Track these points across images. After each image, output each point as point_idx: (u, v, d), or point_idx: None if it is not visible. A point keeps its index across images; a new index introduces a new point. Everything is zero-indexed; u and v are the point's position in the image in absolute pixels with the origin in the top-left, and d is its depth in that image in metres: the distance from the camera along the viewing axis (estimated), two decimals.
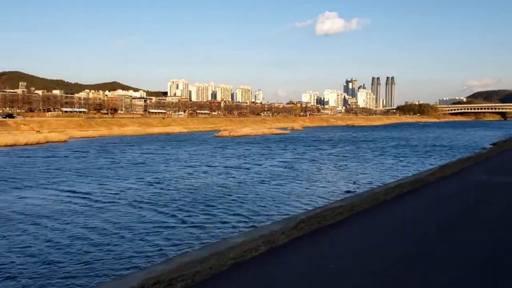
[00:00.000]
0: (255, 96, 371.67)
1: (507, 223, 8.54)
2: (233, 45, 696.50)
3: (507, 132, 52.40)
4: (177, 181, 22.77)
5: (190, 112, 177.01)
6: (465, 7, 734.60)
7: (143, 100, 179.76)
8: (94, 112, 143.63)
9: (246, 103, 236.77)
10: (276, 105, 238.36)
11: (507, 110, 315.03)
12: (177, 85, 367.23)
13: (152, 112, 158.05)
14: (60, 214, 14.90)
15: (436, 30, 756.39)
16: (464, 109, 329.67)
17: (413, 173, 22.66)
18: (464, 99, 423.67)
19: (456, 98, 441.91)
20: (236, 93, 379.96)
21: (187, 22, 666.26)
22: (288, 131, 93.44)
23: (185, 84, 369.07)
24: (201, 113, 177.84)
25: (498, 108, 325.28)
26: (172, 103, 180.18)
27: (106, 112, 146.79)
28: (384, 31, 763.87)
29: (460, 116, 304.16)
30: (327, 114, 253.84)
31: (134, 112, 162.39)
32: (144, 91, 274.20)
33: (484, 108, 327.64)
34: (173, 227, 12.97)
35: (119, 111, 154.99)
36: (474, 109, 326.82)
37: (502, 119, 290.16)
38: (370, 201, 9.44)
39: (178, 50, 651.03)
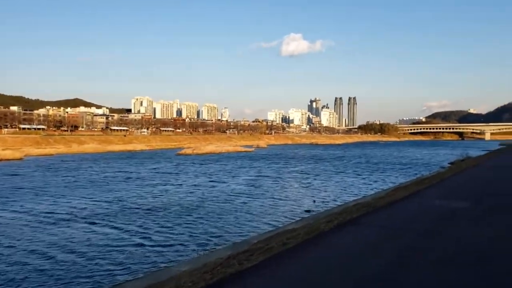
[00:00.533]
0: (222, 114, 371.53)
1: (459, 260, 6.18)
2: (200, 63, 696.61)
3: (464, 151, 53.98)
4: (135, 200, 21.81)
5: (154, 129, 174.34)
6: (425, 32, 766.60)
7: (104, 117, 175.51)
8: (54, 129, 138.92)
9: (212, 120, 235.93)
10: (242, 123, 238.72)
11: (464, 130, 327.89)
12: (141, 102, 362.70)
13: (114, 130, 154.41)
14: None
15: (397, 52, 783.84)
16: (424, 128, 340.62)
17: (374, 190, 22.63)
18: (423, 119, 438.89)
19: (416, 118, 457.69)
20: (202, 111, 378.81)
21: (153, 39, 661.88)
22: (253, 149, 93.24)
23: (150, 101, 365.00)
24: (165, 130, 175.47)
25: (456, 128, 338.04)
26: (135, 120, 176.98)
27: (66, 129, 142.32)
28: (347, 53, 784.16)
29: (419, 136, 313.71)
30: (292, 132, 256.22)
31: (95, 129, 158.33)
32: (107, 108, 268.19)
33: (443, 128, 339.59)
34: (125, 249, 12.16)
35: (80, 128, 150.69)
36: (433, 129, 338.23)
37: (460, 138, 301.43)
38: (309, 232, 7.64)
39: (143, 67, 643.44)
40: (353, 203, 11.28)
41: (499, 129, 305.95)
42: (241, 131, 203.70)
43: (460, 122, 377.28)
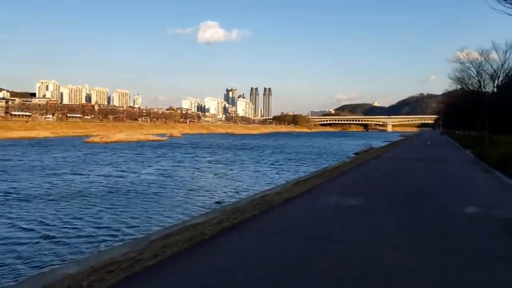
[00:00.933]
0: (134, 101, 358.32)
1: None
2: (112, 47, 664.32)
3: (368, 142, 57.49)
4: (37, 191, 19.99)
5: (60, 115, 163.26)
6: (337, 27, 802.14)
7: (4, 101, 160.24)
8: None
9: (123, 107, 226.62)
10: (155, 110, 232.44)
11: (369, 122, 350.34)
12: (47, 86, 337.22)
13: (15, 115, 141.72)
14: None
15: (311, 45, 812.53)
16: (333, 120, 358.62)
17: (285, 180, 22.98)
18: (333, 111, 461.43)
19: (326, 110, 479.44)
20: (113, 97, 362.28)
21: (62, 20, 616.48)
22: (166, 138, 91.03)
23: (56, 85, 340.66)
24: (73, 116, 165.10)
25: (361, 120, 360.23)
26: (39, 105, 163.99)
27: None
28: (263, 44, 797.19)
29: (329, 127, 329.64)
30: (208, 121, 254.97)
31: None
32: (7, 91, 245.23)
33: (350, 120, 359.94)
34: (15, 247, 10.95)
35: None
36: (341, 120, 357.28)
37: (365, 130, 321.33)
38: (191, 239, 6.09)
39: (50, 48, 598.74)
40: (251, 199, 9.69)
41: (400, 121, 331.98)
42: (154, 119, 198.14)
43: (365, 115, 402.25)
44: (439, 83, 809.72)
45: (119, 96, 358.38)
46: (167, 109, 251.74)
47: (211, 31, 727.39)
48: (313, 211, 8.65)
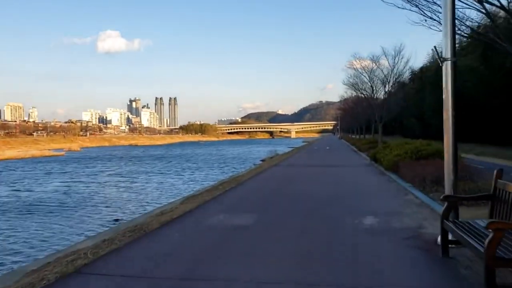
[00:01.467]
0: (29, 114, 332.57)
1: None
2: (4, 56, 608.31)
3: (274, 148, 59.48)
4: None
5: None
6: (238, 35, 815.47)
7: None
8: None
9: (15, 121, 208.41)
10: (53, 124, 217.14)
11: (274, 129, 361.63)
12: None
13: None
14: None
15: (212, 55, 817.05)
16: (240, 128, 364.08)
17: (190, 191, 22.75)
18: (239, 120, 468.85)
19: (233, 118, 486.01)
20: (4, 111, 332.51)
21: None
22: (64, 153, 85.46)
23: None
24: None
25: (267, 128, 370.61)
26: None
27: None
28: (166, 53, 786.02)
29: (236, 135, 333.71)
30: (110, 133, 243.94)
31: None
32: None
33: (256, 128, 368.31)
34: None
35: None
36: (248, 128, 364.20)
37: (271, 137, 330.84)
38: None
39: None
40: (124, 226, 7.65)
41: (302, 128, 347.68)
42: (52, 133, 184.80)
43: (270, 122, 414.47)
44: (336, 90, 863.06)
45: (11, 109, 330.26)
46: (66, 122, 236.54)
47: (111, 40, 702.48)
48: (191, 238, 7.00)
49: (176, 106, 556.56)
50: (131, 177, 36.28)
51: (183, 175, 36.98)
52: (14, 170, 45.95)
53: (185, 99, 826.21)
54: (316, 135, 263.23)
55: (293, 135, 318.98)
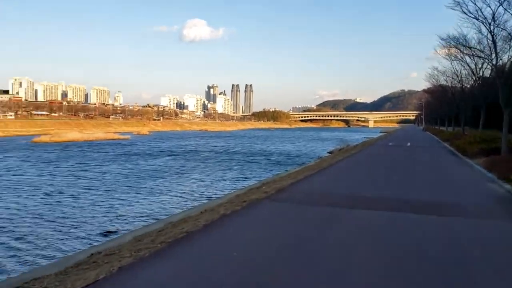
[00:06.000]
0: (115, 98, 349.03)
1: None
2: (94, 43, 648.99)
3: (350, 137, 51.93)
4: None
5: (25, 113, 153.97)
6: (319, 24, 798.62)
7: None
8: None
9: (95, 104, 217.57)
10: (131, 107, 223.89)
11: (350, 118, 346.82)
12: (21, 83, 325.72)
13: None
14: None
15: (291, 42, 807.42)
16: (313, 116, 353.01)
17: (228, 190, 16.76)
18: (314, 107, 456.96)
19: (308, 106, 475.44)
20: (91, 94, 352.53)
21: (41, 16, 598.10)
22: (129, 137, 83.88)
23: (30, 82, 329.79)
24: (38, 114, 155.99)
25: (343, 116, 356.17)
26: (1, 102, 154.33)
27: None
28: (246, 41, 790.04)
29: (309, 123, 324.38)
30: (185, 118, 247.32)
31: None
32: None
33: (331, 116, 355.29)
34: None
35: None
36: (322, 116, 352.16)
37: (346, 126, 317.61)
38: None
39: (25, 44, 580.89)
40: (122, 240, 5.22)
41: (381, 117, 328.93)
42: (130, 117, 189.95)
43: (347, 111, 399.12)
44: (419, 79, 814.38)
45: (96, 93, 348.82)
46: (143, 106, 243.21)
47: (197, 29, 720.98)
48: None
49: (251, 93, 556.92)
50: (170, 172, 31.07)
51: (225, 171, 31.09)
52: (61, 152, 43.21)
53: (261, 87, 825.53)
54: (396, 125, 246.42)
55: (371, 124, 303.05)
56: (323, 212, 8.94)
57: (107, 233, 11.75)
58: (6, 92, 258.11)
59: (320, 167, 18.63)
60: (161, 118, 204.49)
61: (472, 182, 14.89)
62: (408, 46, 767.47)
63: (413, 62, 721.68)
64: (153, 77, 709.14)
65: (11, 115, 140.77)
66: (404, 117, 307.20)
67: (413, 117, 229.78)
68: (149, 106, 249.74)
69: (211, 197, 18.09)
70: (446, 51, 34.27)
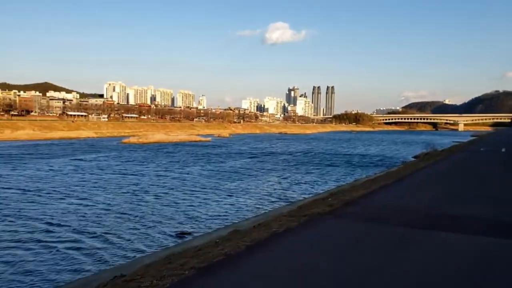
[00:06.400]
0: (199, 101, 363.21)
1: None
2: (181, 49, 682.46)
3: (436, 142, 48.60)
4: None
5: (116, 115, 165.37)
6: (403, 24, 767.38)
7: (61, 101, 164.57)
8: (2, 113, 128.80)
9: (180, 107, 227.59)
10: (214, 110, 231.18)
11: (438, 121, 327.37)
12: (114, 87, 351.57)
13: (71, 115, 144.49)
14: None
15: (375, 42, 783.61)
16: (398, 118, 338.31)
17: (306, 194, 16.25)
18: (400, 109, 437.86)
19: (393, 108, 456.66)
20: (177, 98, 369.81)
21: (133, 23, 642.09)
22: (210, 139, 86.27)
23: (123, 86, 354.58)
24: (128, 117, 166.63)
25: (430, 119, 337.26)
26: (95, 105, 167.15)
27: (17, 113, 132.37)
28: (328, 42, 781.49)
29: (394, 126, 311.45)
30: (265, 121, 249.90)
31: (52, 114, 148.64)
32: (77, 92, 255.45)
33: (417, 118, 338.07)
34: None
35: (33, 113, 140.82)
36: (408, 118, 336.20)
37: (434, 129, 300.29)
38: None
39: (119, 51, 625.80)
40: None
41: (472, 120, 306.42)
42: (212, 119, 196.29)
43: (435, 113, 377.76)
44: None
45: (182, 97, 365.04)
46: (225, 109, 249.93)
47: (279, 32, 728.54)
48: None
49: (333, 94, 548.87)
50: (249, 174, 31.14)
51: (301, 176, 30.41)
52: (145, 152, 45.41)
53: (343, 88, 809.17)
54: (489, 129, 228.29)
55: (460, 127, 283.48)
56: (393, 233, 7.72)
57: (181, 235, 11.75)
58: (101, 96, 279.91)
59: (400, 174, 17.30)
60: (242, 120, 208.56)
61: None
62: (504, 43, 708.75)
63: (509, 60, 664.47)
64: (236, 80, 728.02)
65: (104, 118, 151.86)
66: (498, 120, 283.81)
67: (509, 120, 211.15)
68: (230, 109, 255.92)
69: (289, 200, 17.66)
70: None
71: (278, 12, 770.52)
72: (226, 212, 15.52)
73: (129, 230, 12.72)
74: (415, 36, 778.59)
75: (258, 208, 16.17)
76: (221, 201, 17.87)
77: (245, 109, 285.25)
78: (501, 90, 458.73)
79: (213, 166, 34.17)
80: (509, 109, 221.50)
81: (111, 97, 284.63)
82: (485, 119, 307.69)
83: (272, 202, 17.60)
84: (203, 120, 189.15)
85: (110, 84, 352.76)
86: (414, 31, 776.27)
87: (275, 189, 21.81)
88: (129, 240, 11.59)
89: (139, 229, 12.85)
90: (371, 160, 43.00)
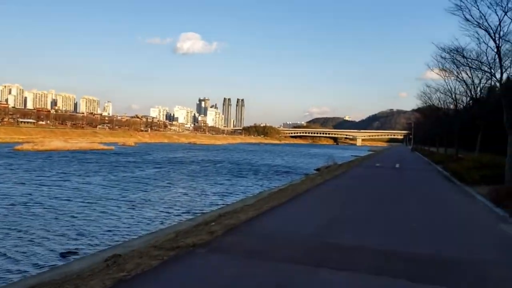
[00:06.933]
0: (104, 108, 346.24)
1: None
2: (87, 53, 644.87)
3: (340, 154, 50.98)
4: None
5: (11, 120, 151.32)
6: (311, 41, 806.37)
7: None
8: None
9: (83, 113, 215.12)
10: (120, 118, 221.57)
11: (338, 136, 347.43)
12: (10, 90, 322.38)
13: None
14: None
15: (285, 59, 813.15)
16: (303, 132, 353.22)
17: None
18: (304, 124, 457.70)
19: (298, 122, 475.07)
20: (80, 103, 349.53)
21: (35, 22, 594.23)
22: (113, 147, 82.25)
23: (20, 89, 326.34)
24: (25, 122, 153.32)
25: (331, 134, 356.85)
26: None
27: None
28: (239, 55, 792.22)
29: (299, 139, 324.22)
30: (174, 130, 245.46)
31: None
32: None
33: (320, 133, 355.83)
34: None
35: None
36: (312, 133, 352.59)
37: (335, 143, 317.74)
38: None
39: (17, 51, 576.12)
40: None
41: (369, 136, 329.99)
42: (117, 127, 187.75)
43: (336, 128, 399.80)
44: (409, 99, 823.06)
45: (86, 102, 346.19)
46: (132, 117, 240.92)
47: (190, 42, 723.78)
48: None
49: (243, 107, 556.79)
50: (155, 179, 29.75)
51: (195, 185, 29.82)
52: (33, 161, 41.61)
53: (252, 101, 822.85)
54: (384, 144, 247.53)
55: (358, 142, 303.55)
56: (273, 274, 6.05)
57: (66, 254, 10.49)
58: None
59: (296, 192, 17.03)
60: (149, 129, 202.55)
61: (479, 221, 11.65)
62: (398, 66, 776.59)
63: (403, 82, 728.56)
64: (145, 88, 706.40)
65: None
66: (392, 137, 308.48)
67: (401, 137, 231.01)
68: (138, 117, 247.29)
69: (193, 211, 16.96)
70: (440, 65, 32.70)
71: (189, 22, 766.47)
72: (125, 226, 14.40)
73: (7, 248, 11.14)
74: (320, 52, 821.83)
75: (161, 222, 15.26)
76: (121, 214, 16.62)
77: (153, 118, 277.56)
78: (395, 109, 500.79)
79: (116, 176, 32.23)
80: (402, 127, 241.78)
81: (7, 100, 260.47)
82: (381, 135, 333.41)
83: (176, 215, 16.78)
84: (107, 127, 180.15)
85: (5, 87, 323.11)
86: (319, 49, 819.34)
87: (180, 200, 20.95)
88: (8, 258, 10.10)
89: (20, 246, 11.32)
90: (277, 170, 43.98)
